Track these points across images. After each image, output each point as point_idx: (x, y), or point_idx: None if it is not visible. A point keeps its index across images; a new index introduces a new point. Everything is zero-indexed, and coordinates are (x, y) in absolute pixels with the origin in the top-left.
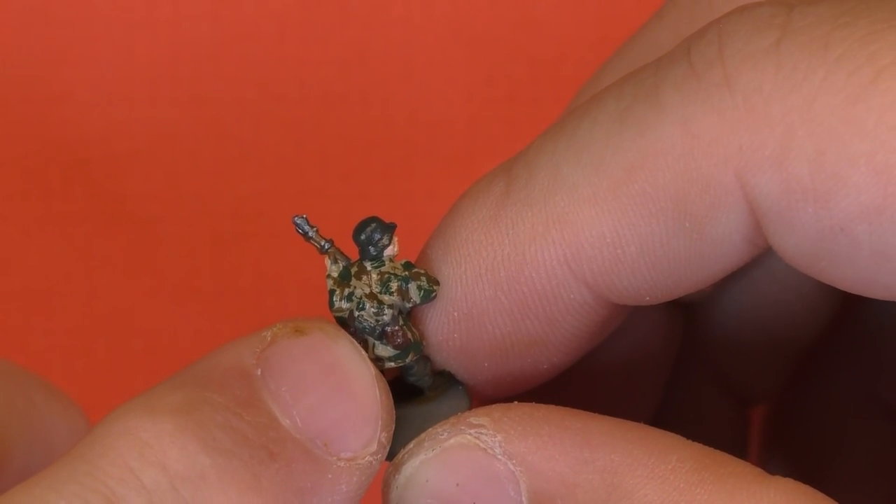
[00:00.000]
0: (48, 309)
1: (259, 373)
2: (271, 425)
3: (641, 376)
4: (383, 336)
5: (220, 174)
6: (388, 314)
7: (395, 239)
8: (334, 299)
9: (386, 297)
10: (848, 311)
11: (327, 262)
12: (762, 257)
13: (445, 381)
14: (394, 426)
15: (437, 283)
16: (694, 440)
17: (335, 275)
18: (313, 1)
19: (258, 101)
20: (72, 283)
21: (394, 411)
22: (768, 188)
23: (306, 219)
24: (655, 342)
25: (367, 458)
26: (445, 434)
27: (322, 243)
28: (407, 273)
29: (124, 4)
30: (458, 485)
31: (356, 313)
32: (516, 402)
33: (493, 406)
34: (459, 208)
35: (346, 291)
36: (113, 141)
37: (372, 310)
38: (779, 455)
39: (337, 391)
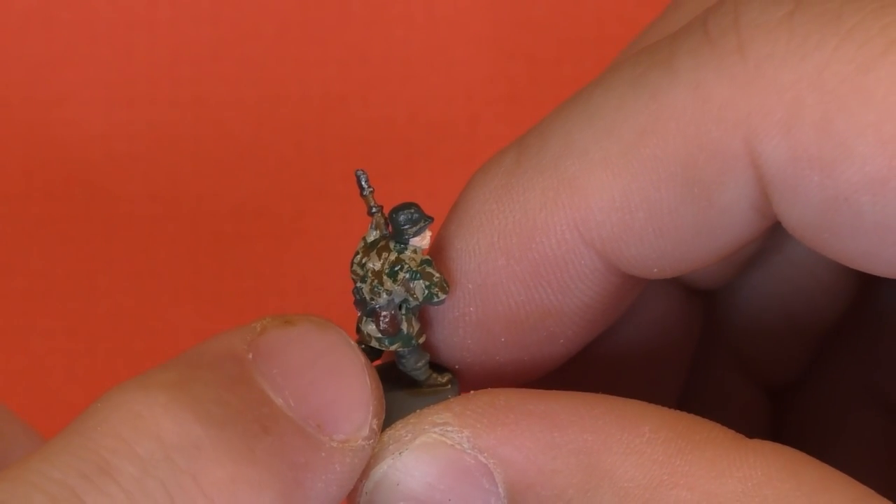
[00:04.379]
0: (48, 310)
1: (250, 357)
2: (264, 401)
3: (663, 362)
4: (372, 314)
5: (221, 175)
6: (383, 298)
7: (430, 233)
8: (354, 260)
9: (388, 281)
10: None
11: (370, 225)
12: (780, 243)
13: (445, 382)
14: (384, 414)
15: (446, 291)
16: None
17: (369, 240)
18: (313, 1)
19: (259, 102)
20: (72, 283)
21: (384, 400)
22: (775, 154)
23: (367, 177)
24: (676, 328)
25: (359, 442)
26: (409, 435)
27: (372, 205)
28: (419, 269)
29: (124, 5)
30: (429, 484)
31: (358, 284)
32: (473, 392)
33: (452, 400)
34: (472, 182)
35: (364, 259)
36: (113, 142)
37: (370, 287)
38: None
39: (327, 376)
